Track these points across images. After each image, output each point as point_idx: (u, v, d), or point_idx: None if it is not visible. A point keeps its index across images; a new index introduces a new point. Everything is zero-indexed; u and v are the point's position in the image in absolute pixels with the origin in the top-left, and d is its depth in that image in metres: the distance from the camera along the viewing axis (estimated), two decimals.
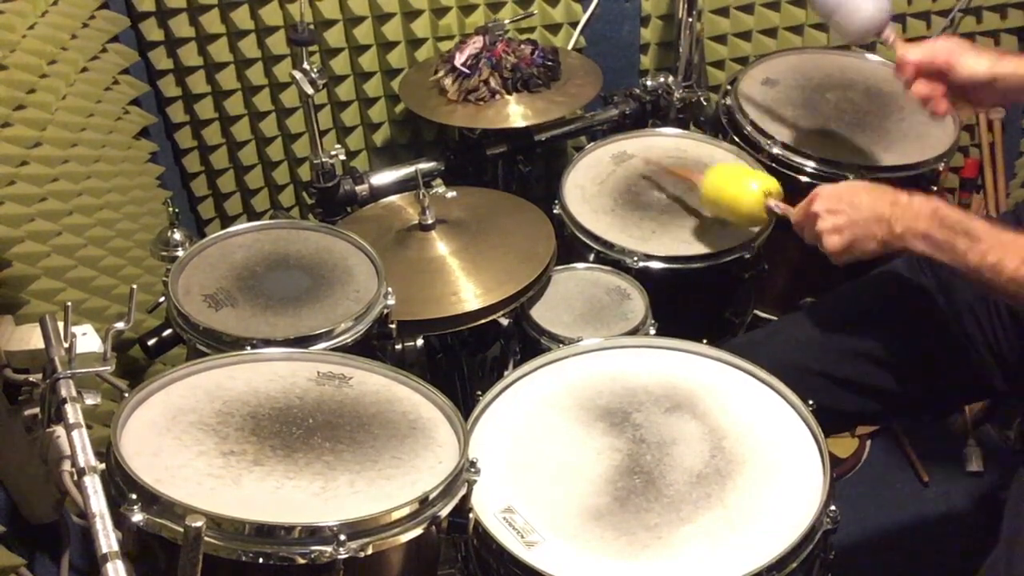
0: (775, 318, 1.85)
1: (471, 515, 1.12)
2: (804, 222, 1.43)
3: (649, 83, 2.07)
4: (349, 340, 1.36)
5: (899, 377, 1.48)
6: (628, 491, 1.18)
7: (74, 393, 1.06)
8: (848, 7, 1.54)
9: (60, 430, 1.11)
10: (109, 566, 0.85)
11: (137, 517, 0.93)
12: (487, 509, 1.17)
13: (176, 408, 1.11)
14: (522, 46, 1.92)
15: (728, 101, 1.91)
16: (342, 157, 1.79)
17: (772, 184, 1.59)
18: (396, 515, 1.00)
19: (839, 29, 1.59)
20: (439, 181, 1.77)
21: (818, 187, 1.42)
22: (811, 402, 1.29)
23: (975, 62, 1.43)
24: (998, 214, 2.35)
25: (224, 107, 2.05)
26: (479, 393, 1.32)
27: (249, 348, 1.28)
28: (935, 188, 1.80)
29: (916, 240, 1.30)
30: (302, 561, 0.95)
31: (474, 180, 1.95)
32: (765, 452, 1.24)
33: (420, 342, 1.51)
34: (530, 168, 2.02)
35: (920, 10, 2.26)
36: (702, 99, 2.08)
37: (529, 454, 1.25)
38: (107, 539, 0.87)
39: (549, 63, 1.92)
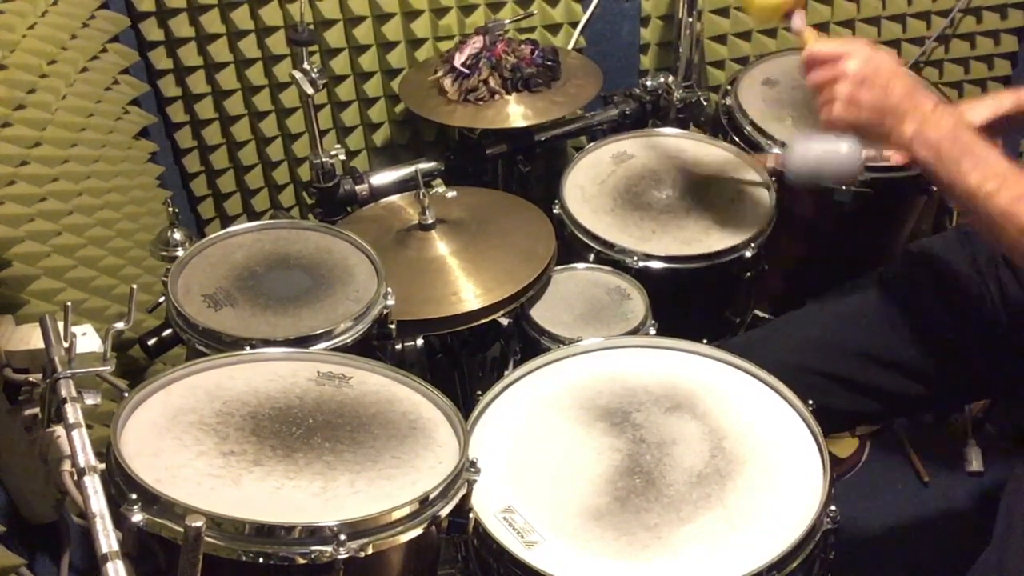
0: (775, 318, 1.85)
1: (471, 515, 1.12)
2: (823, 69, 1.31)
3: (649, 83, 2.07)
4: (349, 340, 1.37)
5: (899, 377, 1.48)
6: (628, 491, 1.18)
7: (74, 393, 1.06)
8: (828, 170, 1.59)
9: (60, 430, 1.11)
10: (109, 566, 0.85)
11: (137, 517, 0.93)
12: (487, 509, 1.17)
13: (176, 408, 1.11)
14: (522, 46, 1.92)
15: (728, 101, 1.91)
16: (342, 157, 1.79)
17: None
18: (396, 515, 1.00)
19: (834, 183, 1.65)
20: (439, 181, 1.77)
21: (854, 43, 1.31)
22: (811, 402, 1.29)
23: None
24: None
25: (224, 107, 2.05)
26: (479, 393, 1.33)
27: (249, 348, 1.28)
28: (935, 188, 1.80)
29: (922, 147, 1.25)
30: (302, 561, 0.95)
31: (474, 180, 1.95)
32: (765, 452, 1.24)
33: (420, 342, 1.51)
34: (530, 168, 2.02)
35: (920, 10, 2.26)
36: (702, 99, 2.08)
37: (529, 454, 1.25)
38: (107, 539, 0.87)
39: (549, 63, 1.92)
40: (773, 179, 1.72)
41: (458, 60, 1.88)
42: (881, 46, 1.31)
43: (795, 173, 1.61)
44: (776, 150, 1.71)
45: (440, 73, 1.91)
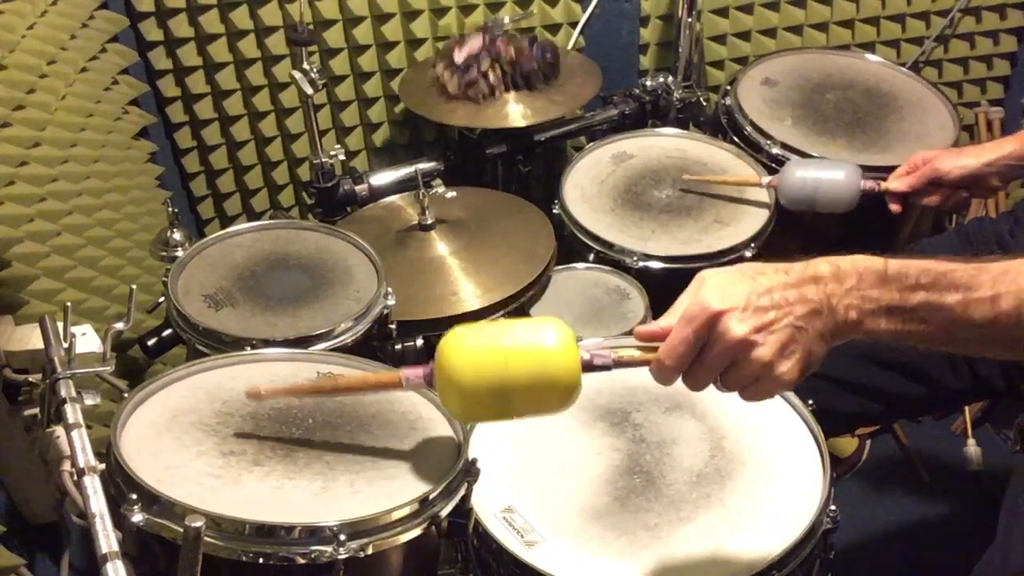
0: None
1: (471, 515, 1.12)
2: (711, 359, 0.89)
3: (649, 83, 2.07)
4: (349, 340, 1.36)
5: (900, 378, 1.48)
6: (628, 491, 1.18)
7: (74, 393, 1.06)
8: (824, 196, 1.61)
9: (60, 430, 1.11)
10: (109, 566, 0.85)
11: (137, 517, 0.93)
12: (487, 509, 1.17)
13: (176, 408, 1.11)
14: (521, 40, 1.92)
15: (728, 101, 1.91)
16: (342, 157, 1.79)
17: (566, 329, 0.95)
18: (396, 515, 0.99)
19: (829, 209, 1.64)
20: (439, 181, 1.77)
21: (691, 302, 0.89)
22: (811, 402, 1.29)
23: (961, 162, 1.55)
24: (997, 214, 2.35)
25: (223, 107, 2.05)
26: None
27: (249, 348, 1.28)
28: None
29: (879, 320, 0.89)
30: (302, 561, 0.95)
31: (474, 180, 1.95)
32: (765, 452, 1.24)
33: (420, 342, 1.51)
34: (530, 168, 2.02)
35: (919, 10, 2.27)
36: (702, 99, 2.08)
37: (529, 454, 1.25)
38: (107, 539, 0.87)
39: (548, 58, 1.92)
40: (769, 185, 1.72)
41: (458, 56, 1.88)
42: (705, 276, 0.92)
43: (790, 199, 1.63)
44: (768, 179, 1.72)
45: (439, 67, 1.91)
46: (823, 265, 0.90)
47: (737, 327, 0.86)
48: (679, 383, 0.93)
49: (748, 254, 1.66)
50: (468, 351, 0.92)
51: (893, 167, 1.77)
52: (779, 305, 0.87)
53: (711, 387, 0.92)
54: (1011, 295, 0.88)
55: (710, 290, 0.89)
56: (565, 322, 0.94)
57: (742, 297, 0.87)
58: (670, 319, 0.91)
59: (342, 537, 0.95)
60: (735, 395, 0.92)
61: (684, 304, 0.90)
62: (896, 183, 1.61)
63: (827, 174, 1.62)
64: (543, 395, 0.92)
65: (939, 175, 1.56)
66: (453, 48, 1.90)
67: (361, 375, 1.03)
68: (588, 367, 0.93)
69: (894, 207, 1.62)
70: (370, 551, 0.97)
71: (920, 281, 0.88)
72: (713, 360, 0.89)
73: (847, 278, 0.89)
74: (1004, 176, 1.55)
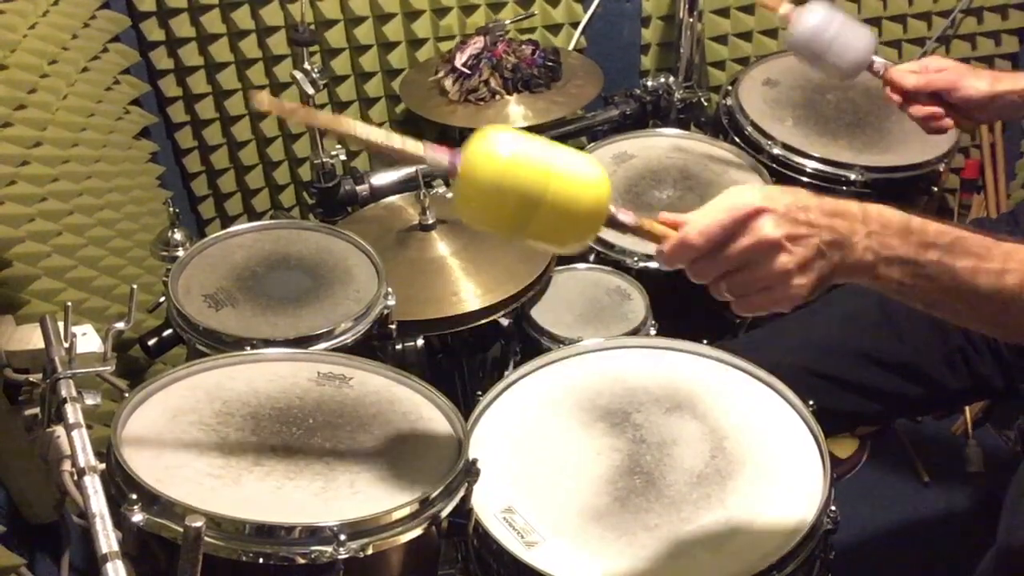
0: (775, 319, 1.85)
1: (471, 515, 1.12)
2: (735, 251, 0.89)
3: (650, 83, 2.07)
4: (349, 340, 1.37)
5: (900, 378, 1.48)
6: (628, 491, 1.18)
7: (74, 393, 1.06)
8: (837, 49, 1.51)
9: (60, 430, 1.11)
10: (109, 566, 0.85)
11: (137, 517, 0.93)
12: (487, 509, 1.17)
13: (176, 408, 1.11)
14: (523, 46, 1.92)
15: (729, 101, 1.91)
16: (342, 157, 1.79)
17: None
18: (396, 515, 1.00)
19: (828, 71, 1.55)
20: (439, 181, 1.77)
21: (733, 196, 0.91)
22: (811, 402, 1.29)
23: (975, 82, 1.43)
24: (998, 215, 2.36)
25: (225, 107, 2.05)
26: (479, 393, 1.32)
27: (249, 348, 1.28)
28: (935, 189, 1.80)
29: (891, 268, 0.90)
30: (302, 561, 0.95)
31: None
32: (765, 452, 1.24)
33: (420, 342, 1.51)
34: None
35: (921, 11, 2.26)
36: (703, 100, 2.08)
37: (529, 454, 1.25)
38: (107, 539, 0.87)
39: (550, 63, 1.92)
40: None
41: (459, 60, 1.88)
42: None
43: (802, 40, 1.52)
44: (788, 7, 1.55)
45: (441, 73, 1.91)
46: (853, 204, 0.92)
47: (773, 227, 0.88)
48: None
49: None
50: (517, 148, 0.89)
51: (894, 167, 1.77)
52: (812, 223, 0.89)
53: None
54: (1017, 273, 0.91)
55: (752, 190, 0.90)
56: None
57: (782, 204, 0.89)
58: (698, 215, 0.91)
59: (342, 537, 0.95)
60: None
61: (714, 203, 0.91)
62: (901, 75, 1.49)
63: (849, 30, 1.52)
64: (565, 221, 0.90)
65: (950, 87, 1.45)
66: (454, 53, 1.90)
67: (385, 132, 0.97)
68: (612, 219, 0.93)
69: (894, 97, 1.51)
70: (370, 551, 0.97)
71: (937, 241, 0.91)
72: (736, 253, 0.89)
73: (871, 222, 0.91)
74: (1009, 113, 1.47)
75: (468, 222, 0.94)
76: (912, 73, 1.48)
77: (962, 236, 0.92)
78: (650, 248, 1.65)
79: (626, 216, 0.93)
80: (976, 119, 1.49)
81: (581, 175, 0.90)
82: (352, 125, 0.97)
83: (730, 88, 1.94)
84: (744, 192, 0.90)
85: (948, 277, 0.91)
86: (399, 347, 1.48)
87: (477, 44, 1.90)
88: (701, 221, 0.90)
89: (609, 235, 1.67)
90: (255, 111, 2.07)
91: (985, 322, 0.97)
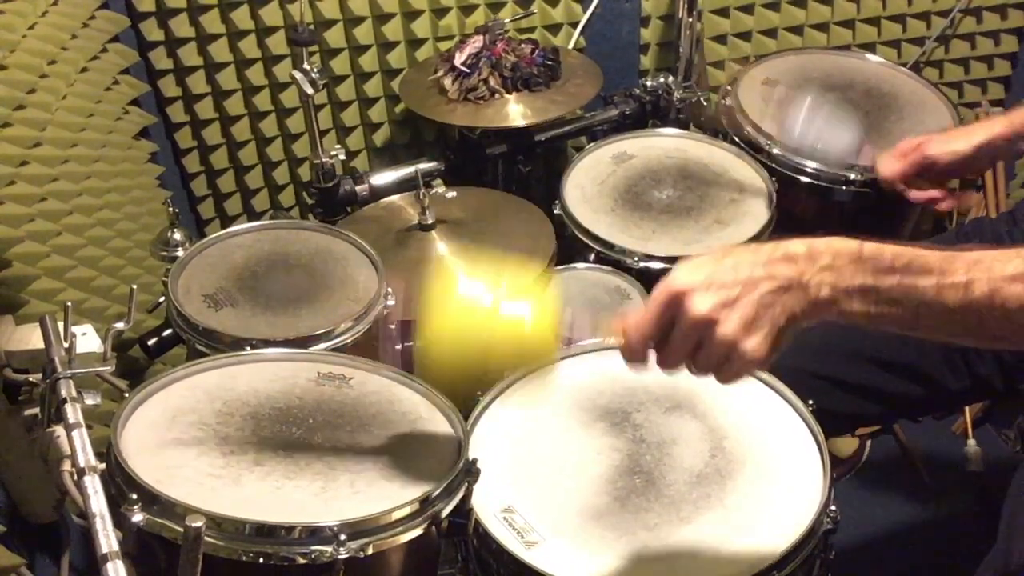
0: None
1: (471, 515, 1.12)
2: (677, 338, 0.90)
3: (649, 83, 2.07)
4: (349, 340, 1.36)
5: (901, 379, 1.48)
6: (628, 491, 1.18)
7: (74, 393, 1.06)
8: (822, 151, 1.55)
9: (60, 430, 1.11)
10: (109, 566, 0.85)
11: (137, 517, 0.93)
12: (487, 509, 1.17)
13: (176, 408, 1.11)
14: (522, 45, 1.92)
15: (728, 101, 1.91)
16: (342, 157, 1.79)
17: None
18: (396, 515, 1.00)
19: (820, 157, 1.61)
20: (439, 181, 1.77)
21: (661, 285, 0.91)
22: (811, 402, 1.29)
23: (950, 147, 1.48)
24: (997, 214, 2.36)
25: (224, 107, 2.05)
26: (479, 393, 1.32)
27: (249, 348, 1.28)
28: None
29: (852, 300, 0.89)
30: (302, 561, 0.95)
31: (474, 180, 1.95)
32: (765, 452, 1.24)
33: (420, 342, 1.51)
34: (530, 168, 2.02)
35: (920, 10, 2.27)
36: (702, 99, 2.07)
37: (529, 454, 1.25)
38: (107, 539, 0.87)
39: (549, 62, 1.92)
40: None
41: (458, 59, 1.88)
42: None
43: (793, 143, 1.56)
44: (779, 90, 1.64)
45: (440, 72, 1.91)
46: (796, 245, 0.89)
47: (700, 304, 0.87)
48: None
49: None
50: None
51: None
52: (744, 282, 0.87)
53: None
54: (983, 281, 0.87)
55: (678, 272, 0.90)
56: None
57: (703, 276, 0.88)
58: (634, 312, 0.93)
59: (342, 537, 0.95)
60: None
61: (651, 296, 0.92)
62: (885, 167, 1.54)
63: (833, 131, 1.55)
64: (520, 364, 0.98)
65: (929, 161, 1.50)
66: (454, 53, 1.90)
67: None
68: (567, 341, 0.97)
69: (899, 188, 1.55)
70: (370, 551, 0.97)
71: (894, 264, 0.88)
72: (679, 339, 0.89)
73: (820, 257, 0.88)
74: (995, 158, 1.51)
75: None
76: (892, 162, 1.54)
77: (919, 254, 0.88)
78: (650, 247, 1.66)
79: (581, 331, 1.01)
80: (971, 175, 1.53)
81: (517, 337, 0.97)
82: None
83: (729, 88, 1.94)
84: (669, 278, 0.90)
85: (913, 299, 0.88)
86: (399, 347, 1.48)
87: (476, 43, 1.90)
88: (634, 318, 0.92)
89: (610, 235, 1.67)
90: (255, 111, 2.07)
91: (966, 336, 0.92)
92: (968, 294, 0.87)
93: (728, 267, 0.88)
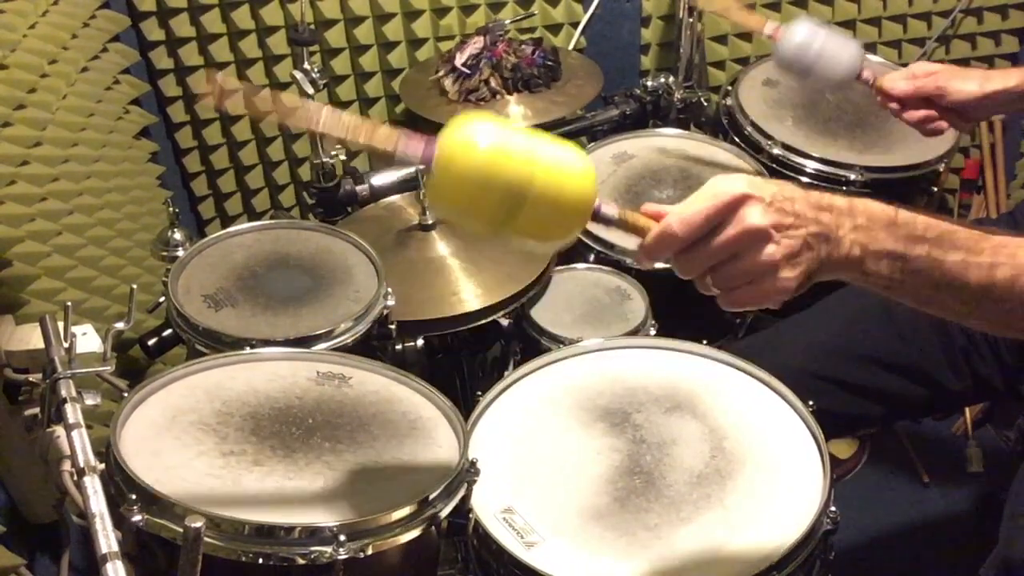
0: (776, 320, 1.84)
1: (471, 515, 1.12)
2: (721, 241, 0.86)
3: (650, 83, 2.07)
4: (349, 340, 1.36)
5: (904, 380, 1.48)
6: (628, 491, 1.18)
7: (74, 393, 1.06)
8: (824, 63, 1.52)
9: (60, 430, 1.11)
10: (109, 566, 0.85)
11: (137, 517, 0.93)
12: (487, 509, 1.17)
13: (176, 408, 1.11)
14: (523, 46, 1.92)
15: (729, 101, 1.91)
16: (342, 157, 1.79)
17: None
18: (396, 515, 1.00)
19: (818, 84, 1.55)
20: None
21: (718, 184, 0.88)
22: (811, 403, 1.28)
23: (964, 85, 1.44)
24: (998, 215, 2.35)
25: (224, 107, 2.04)
26: (479, 393, 1.32)
27: (249, 348, 1.28)
28: (935, 189, 1.80)
29: (880, 263, 0.88)
30: (302, 561, 0.95)
31: None
32: (765, 452, 1.24)
33: (420, 342, 1.51)
34: None
35: (921, 11, 2.26)
36: (703, 99, 2.07)
37: (529, 454, 1.25)
38: (107, 539, 0.87)
39: (550, 63, 1.92)
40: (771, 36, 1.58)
41: (459, 60, 1.88)
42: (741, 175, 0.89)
43: (787, 56, 1.53)
44: (772, 26, 1.57)
45: (441, 73, 1.91)
46: (839, 198, 0.89)
47: (760, 216, 0.85)
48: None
49: None
50: (499, 137, 0.84)
51: (895, 168, 1.77)
52: (799, 214, 0.86)
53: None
54: (1008, 267, 0.89)
55: (738, 178, 0.87)
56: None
57: (768, 193, 0.86)
58: (680, 205, 0.88)
59: (342, 537, 0.95)
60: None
61: (698, 193, 0.87)
62: (891, 83, 1.51)
63: (834, 43, 1.53)
64: (552, 214, 0.85)
65: (939, 92, 1.46)
66: (454, 53, 1.90)
67: (355, 121, 0.89)
68: (596, 212, 0.89)
69: (889, 105, 1.53)
70: (370, 551, 0.97)
71: (925, 234, 0.89)
72: (721, 243, 0.86)
73: (858, 215, 0.88)
74: (1003, 108, 1.48)
75: (446, 217, 0.89)
76: (902, 80, 1.49)
77: (951, 229, 0.90)
78: None
79: (609, 208, 0.90)
80: (970, 118, 1.50)
81: (567, 164, 0.86)
82: (310, 115, 0.89)
83: (730, 88, 1.94)
84: (729, 180, 0.87)
85: (937, 271, 0.89)
86: (399, 347, 1.48)
87: (477, 44, 1.90)
88: (684, 211, 0.87)
89: (610, 235, 1.67)
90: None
91: (978, 317, 0.94)
92: (991, 275, 0.89)
93: (786, 196, 0.87)
